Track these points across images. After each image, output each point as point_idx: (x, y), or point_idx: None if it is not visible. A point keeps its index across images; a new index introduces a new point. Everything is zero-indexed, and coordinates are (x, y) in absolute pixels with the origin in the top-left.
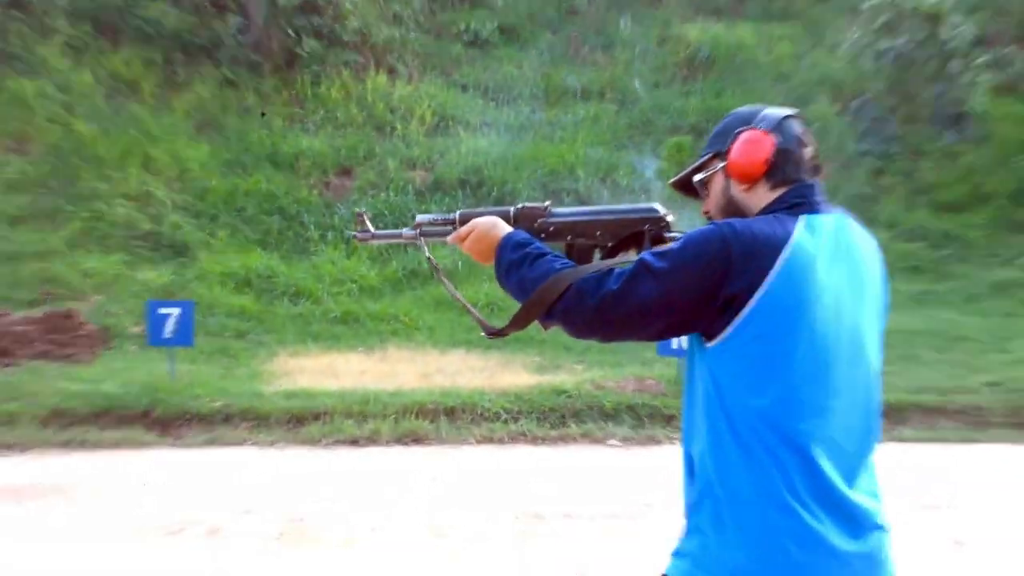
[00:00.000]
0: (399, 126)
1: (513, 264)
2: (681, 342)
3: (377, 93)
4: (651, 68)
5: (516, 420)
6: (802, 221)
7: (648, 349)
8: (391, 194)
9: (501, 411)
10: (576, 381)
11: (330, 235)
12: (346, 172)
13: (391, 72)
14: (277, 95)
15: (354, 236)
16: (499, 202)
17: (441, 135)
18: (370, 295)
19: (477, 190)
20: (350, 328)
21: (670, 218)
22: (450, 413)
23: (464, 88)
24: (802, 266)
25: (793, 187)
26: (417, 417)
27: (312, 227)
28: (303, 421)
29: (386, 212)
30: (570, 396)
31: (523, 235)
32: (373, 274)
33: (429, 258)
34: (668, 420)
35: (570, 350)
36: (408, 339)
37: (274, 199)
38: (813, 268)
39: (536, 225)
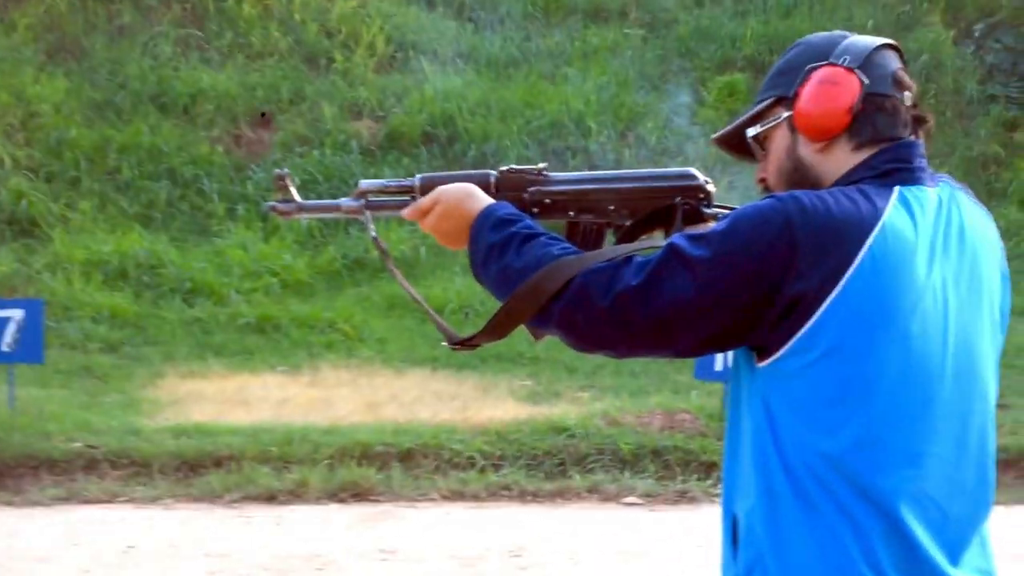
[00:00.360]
0: (339, 58)
1: (494, 248)
2: (727, 360)
3: (308, 11)
4: None
5: (498, 468)
6: (896, 196)
7: (682, 370)
8: (327, 152)
9: (477, 455)
10: (582, 414)
11: (241, 209)
12: (264, 121)
13: None
14: (165, 10)
15: (273, 208)
16: (478, 166)
17: (398, 71)
18: (297, 293)
19: (447, 149)
20: (268, 339)
21: (712, 188)
22: (406, 458)
23: (431, 4)
24: (895, 258)
25: (886, 147)
26: (360, 463)
27: (216, 197)
28: (200, 469)
29: (320, 178)
30: (573, 435)
31: (508, 209)
32: (301, 264)
33: (376, 239)
34: (707, 470)
35: (574, 371)
36: (350, 355)
37: (161, 158)
38: (910, 262)
39: (527, 196)
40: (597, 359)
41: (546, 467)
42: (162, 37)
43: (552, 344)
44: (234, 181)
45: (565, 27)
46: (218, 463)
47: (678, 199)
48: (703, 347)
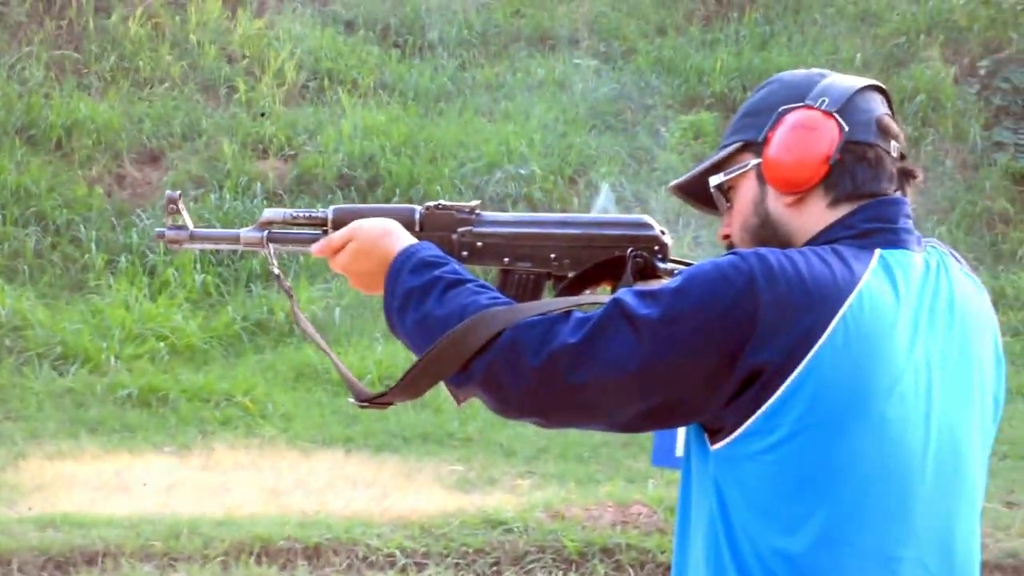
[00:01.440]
0: (241, 86)
1: (413, 293)
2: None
3: (206, 31)
4: (655, 0)
5: (421, 568)
6: (876, 260)
7: (638, 455)
8: (226, 196)
9: (398, 553)
10: (520, 505)
11: (123, 261)
12: (152, 158)
13: None
14: (36, 28)
15: (162, 235)
16: None
17: (312, 102)
18: (188, 361)
19: (368, 193)
20: (153, 414)
21: (668, 239)
22: (314, 555)
23: (350, 26)
24: (872, 331)
25: (866, 204)
26: (259, 561)
27: (94, 247)
28: (68, 568)
29: (217, 225)
30: (510, 530)
31: (433, 251)
32: (194, 326)
33: (279, 277)
34: (665, 572)
35: (512, 454)
36: (249, 433)
37: (29, 200)
38: (889, 336)
39: (456, 237)
40: (539, 440)
41: (478, 567)
42: (32, 59)
43: (487, 423)
44: (116, 228)
45: (506, 56)
46: (90, 561)
47: (629, 250)
48: (646, 421)
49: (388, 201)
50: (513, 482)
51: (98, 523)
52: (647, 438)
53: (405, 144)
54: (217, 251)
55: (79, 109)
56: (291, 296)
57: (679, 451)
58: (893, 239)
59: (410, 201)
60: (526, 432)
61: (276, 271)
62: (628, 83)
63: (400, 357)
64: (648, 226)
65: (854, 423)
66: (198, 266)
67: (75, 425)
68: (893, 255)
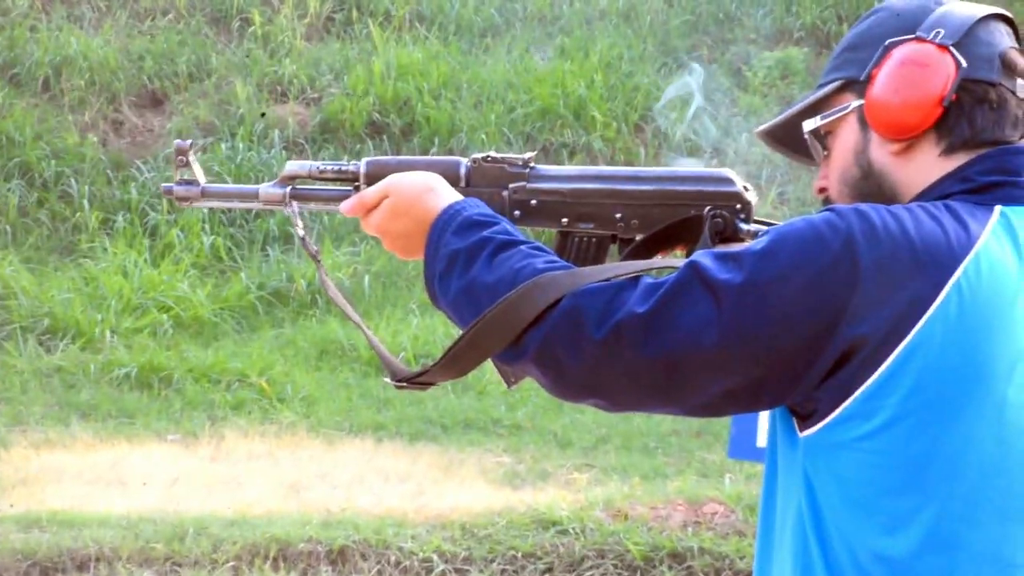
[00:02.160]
0: (257, 19)
1: (457, 257)
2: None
3: None
4: None
5: (462, 574)
6: (997, 218)
7: (713, 446)
8: (239, 146)
9: (435, 557)
10: (577, 503)
11: (121, 220)
12: (154, 102)
13: None
14: None
15: (170, 191)
16: None
17: (339, 37)
18: (196, 335)
19: (402, 143)
20: (155, 397)
21: (753, 197)
22: (339, 560)
23: None
24: (990, 301)
25: (987, 153)
26: (276, 567)
27: (87, 205)
28: (55, 573)
29: (229, 180)
30: (565, 531)
31: (480, 208)
32: (202, 295)
33: (304, 240)
34: None
35: (567, 445)
36: (266, 418)
37: (12, 150)
38: (1010, 307)
39: (507, 194)
40: (599, 429)
41: (528, 573)
42: None
43: (539, 408)
44: (112, 183)
45: None
46: (81, 566)
47: (707, 209)
48: (726, 404)
49: (425, 152)
50: (569, 476)
51: (91, 522)
52: (724, 426)
53: (445, 86)
54: (231, 210)
55: (69, 44)
56: (318, 261)
57: (761, 441)
58: (1017, 195)
59: (451, 152)
60: (584, 419)
61: (301, 233)
62: (704, 13)
63: (439, 332)
64: (729, 181)
65: (968, 407)
66: (207, 227)
67: (65, 409)
68: (1017, 213)
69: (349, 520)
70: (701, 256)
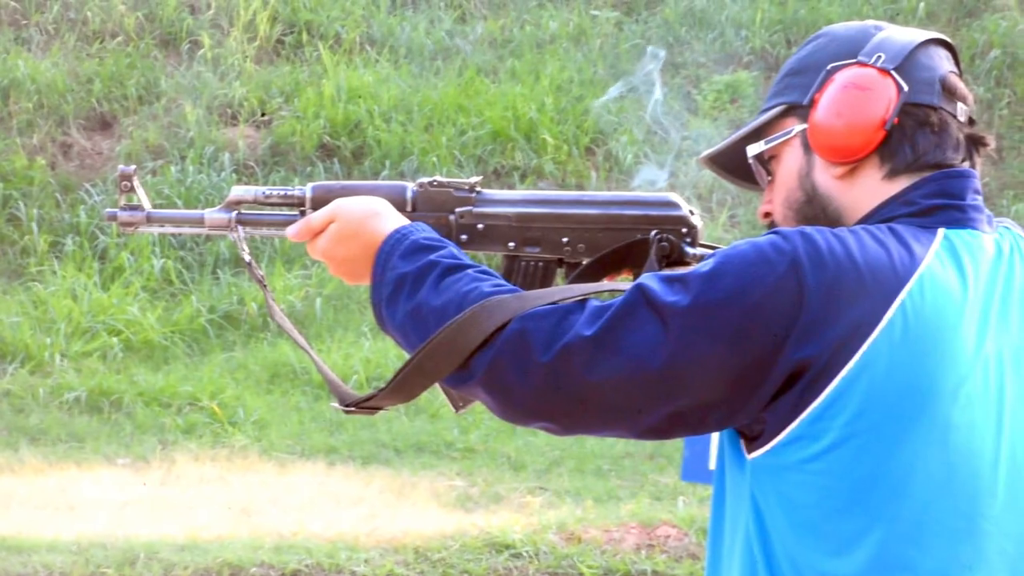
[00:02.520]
0: (207, 41)
1: (404, 281)
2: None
3: None
4: None
5: None
6: (940, 240)
7: (665, 469)
8: (188, 169)
9: None
10: (530, 526)
11: (70, 243)
12: (103, 125)
13: None
14: None
15: (114, 216)
16: None
17: (287, 60)
18: (146, 358)
19: (354, 164)
20: (104, 421)
21: (697, 221)
22: None
23: None
24: (934, 323)
25: (929, 177)
26: None
27: (36, 227)
28: None
29: (179, 202)
30: (519, 554)
31: (427, 232)
32: (152, 318)
33: (250, 264)
34: None
35: (521, 467)
36: (217, 442)
37: None
38: (954, 328)
39: (454, 219)
40: (552, 452)
41: None
42: None
43: (492, 431)
44: (61, 206)
45: (513, 6)
46: None
47: (654, 233)
48: (673, 426)
49: (376, 175)
50: (522, 499)
51: (39, 547)
52: (677, 449)
53: (396, 109)
54: (178, 235)
55: (17, 67)
56: (264, 286)
57: (713, 463)
58: (960, 217)
59: (401, 176)
60: (536, 442)
61: (247, 258)
62: (654, 38)
63: (391, 355)
64: (675, 205)
65: (913, 428)
66: (157, 250)
67: (14, 434)
68: (960, 236)
69: (301, 544)
70: (648, 279)
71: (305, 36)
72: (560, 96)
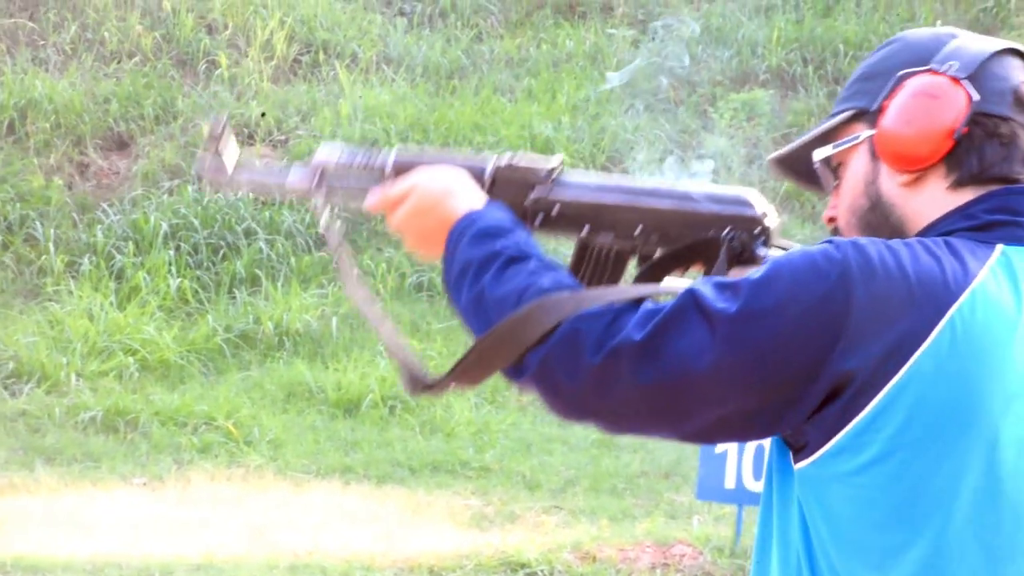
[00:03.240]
0: (224, 61)
1: (469, 267)
2: (741, 476)
3: None
4: None
5: None
6: (997, 256)
7: (681, 488)
8: (207, 189)
9: None
10: (545, 545)
11: (87, 264)
12: (120, 144)
13: None
14: None
15: (202, 170)
16: None
17: (306, 79)
18: (162, 378)
19: None
20: (121, 440)
21: (772, 221)
22: None
23: None
24: (985, 338)
25: (993, 191)
26: None
27: (53, 247)
28: None
29: (196, 223)
30: (533, 573)
31: (499, 215)
32: (168, 338)
33: (328, 233)
34: None
35: (536, 487)
36: (232, 461)
37: None
38: (1006, 345)
39: (531, 200)
40: (567, 471)
41: None
42: None
43: (507, 450)
44: (78, 225)
45: (529, 25)
46: None
47: (727, 230)
48: (718, 431)
49: None
50: (537, 518)
51: (55, 567)
52: (692, 468)
53: (413, 127)
54: (252, 194)
55: (35, 87)
56: (340, 249)
57: (728, 482)
58: (1020, 235)
59: None
60: (552, 461)
61: (324, 225)
62: (670, 56)
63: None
64: (749, 204)
65: (960, 443)
66: (173, 269)
67: (29, 453)
68: (1019, 253)
69: (316, 564)
70: (701, 284)
71: (322, 55)
72: (576, 115)
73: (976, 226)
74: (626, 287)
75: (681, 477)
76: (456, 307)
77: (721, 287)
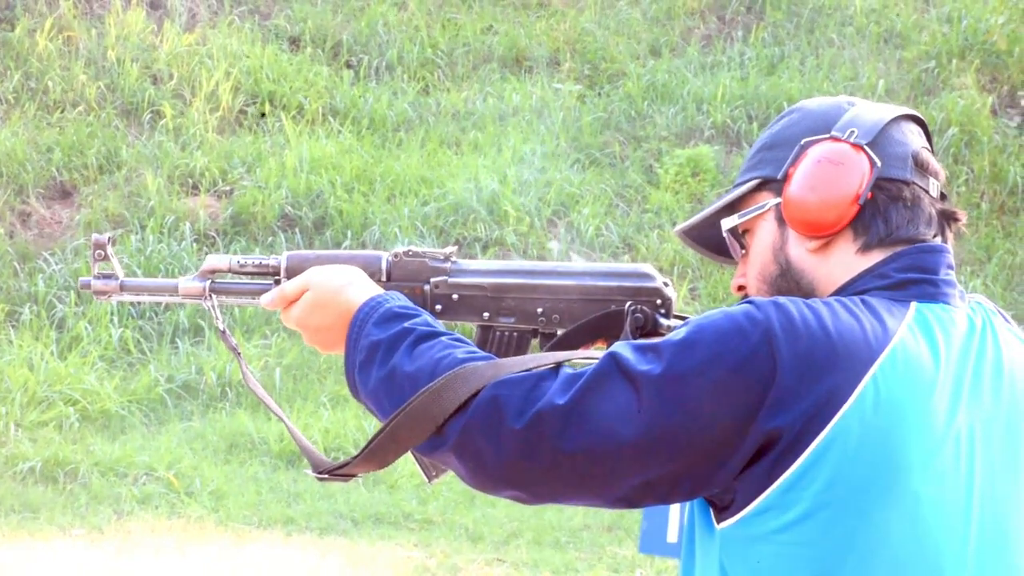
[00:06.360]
0: (168, 111)
1: (379, 348)
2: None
3: (127, 46)
4: (647, 17)
5: None
6: (913, 314)
7: (624, 541)
8: (148, 239)
9: None
10: None
11: (27, 313)
12: (63, 194)
13: (155, 6)
14: None
15: (88, 285)
16: None
17: (251, 129)
18: (103, 428)
19: (316, 235)
20: (60, 491)
21: (671, 292)
22: None
23: (295, 43)
24: (905, 396)
25: (902, 251)
26: None
27: None
28: None
29: (139, 272)
30: None
31: (401, 301)
32: (110, 388)
33: (224, 333)
34: None
35: (479, 539)
36: (173, 512)
37: None
38: (925, 402)
39: (428, 289)
40: (510, 523)
41: None
42: None
43: (450, 503)
44: (18, 274)
45: (476, 79)
46: None
47: (628, 304)
48: (644, 495)
49: (337, 246)
50: (480, 571)
51: None
52: (635, 521)
53: (358, 179)
54: (140, 303)
55: None
56: (238, 354)
57: (672, 536)
58: (932, 292)
59: (363, 246)
60: (495, 513)
61: (222, 327)
62: (616, 111)
63: (350, 425)
64: (649, 276)
65: (883, 501)
66: (115, 319)
67: None
68: (932, 310)
69: None
70: (621, 347)
71: (268, 107)
72: (522, 168)
73: (889, 285)
74: (545, 354)
75: (624, 530)
76: (363, 392)
77: (642, 349)
